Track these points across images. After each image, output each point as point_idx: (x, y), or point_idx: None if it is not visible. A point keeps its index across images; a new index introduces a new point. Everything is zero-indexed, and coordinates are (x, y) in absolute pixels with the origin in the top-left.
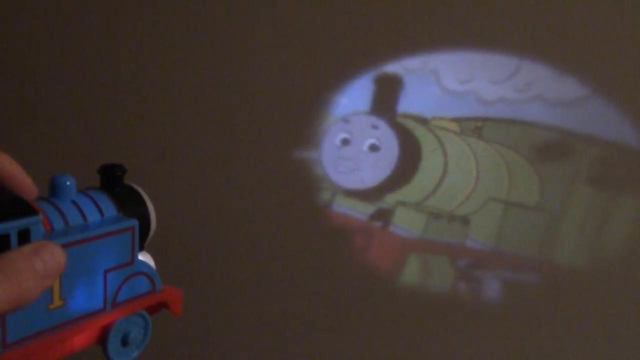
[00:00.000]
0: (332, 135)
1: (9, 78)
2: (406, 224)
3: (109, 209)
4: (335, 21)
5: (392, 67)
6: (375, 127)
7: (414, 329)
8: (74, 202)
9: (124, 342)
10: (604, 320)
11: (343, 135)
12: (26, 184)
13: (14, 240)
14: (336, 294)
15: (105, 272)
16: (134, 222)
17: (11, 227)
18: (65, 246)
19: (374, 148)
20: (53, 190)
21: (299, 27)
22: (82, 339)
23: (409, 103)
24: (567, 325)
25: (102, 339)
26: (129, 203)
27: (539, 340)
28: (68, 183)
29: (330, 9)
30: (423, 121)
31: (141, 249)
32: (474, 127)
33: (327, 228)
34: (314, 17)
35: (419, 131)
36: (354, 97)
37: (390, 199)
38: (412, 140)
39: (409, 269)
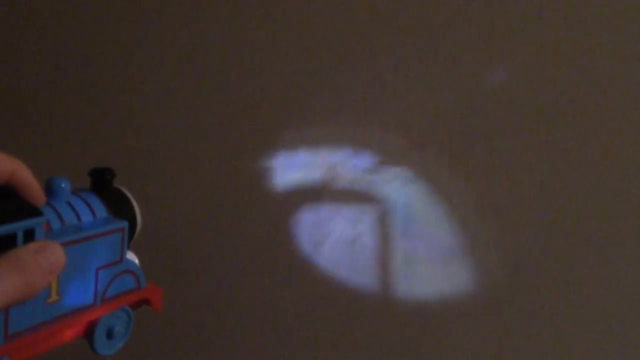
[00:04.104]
0: None
1: (3, 81)
2: None
3: (100, 210)
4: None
5: None
6: None
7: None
8: (68, 203)
9: (109, 335)
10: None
11: None
12: (37, 192)
13: (20, 238)
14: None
15: (97, 269)
16: (125, 224)
17: (18, 227)
18: (63, 245)
19: None
20: (49, 192)
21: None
22: (72, 331)
23: None
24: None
25: (89, 332)
26: (118, 205)
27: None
28: (63, 185)
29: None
30: None
31: (127, 248)
32: None
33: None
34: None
35: None
36: None
37: None
38: None
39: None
